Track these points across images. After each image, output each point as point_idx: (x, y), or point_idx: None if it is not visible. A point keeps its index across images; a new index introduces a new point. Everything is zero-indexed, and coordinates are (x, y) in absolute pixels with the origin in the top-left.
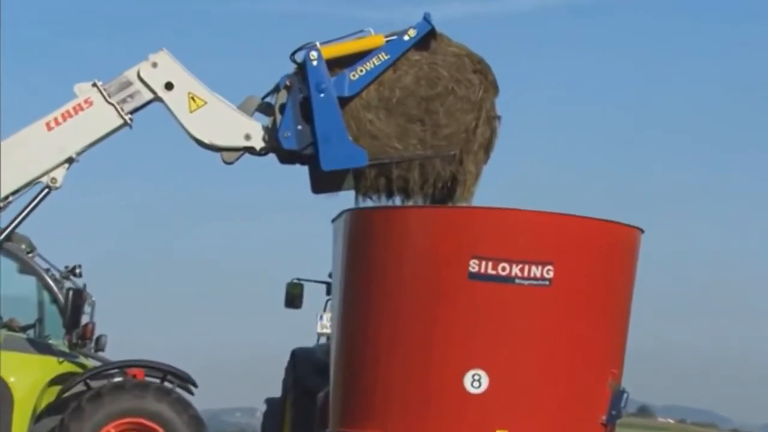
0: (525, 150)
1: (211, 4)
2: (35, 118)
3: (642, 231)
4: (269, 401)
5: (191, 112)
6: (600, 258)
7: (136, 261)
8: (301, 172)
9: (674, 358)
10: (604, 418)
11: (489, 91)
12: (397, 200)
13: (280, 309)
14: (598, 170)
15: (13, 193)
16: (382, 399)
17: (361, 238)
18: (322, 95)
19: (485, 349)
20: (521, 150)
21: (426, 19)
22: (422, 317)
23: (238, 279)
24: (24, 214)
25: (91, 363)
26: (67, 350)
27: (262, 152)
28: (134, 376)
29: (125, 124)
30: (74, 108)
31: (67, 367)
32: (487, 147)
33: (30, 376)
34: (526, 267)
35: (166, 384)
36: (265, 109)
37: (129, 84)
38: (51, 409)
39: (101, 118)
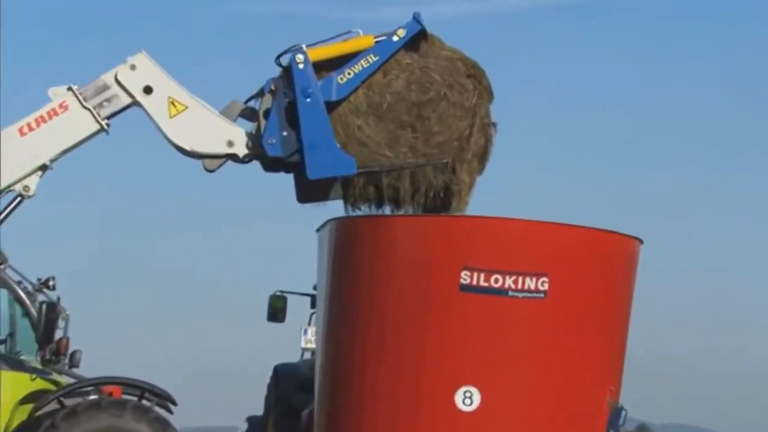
0: (518, 154)
1: (192, 3)
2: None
3: (641, 241)
4: (251, 419)
5: (171, 117)
6: (597, 269)
7: (112, 273)
8: (287, 180)
9: (675, 375)
10: None
11: (483, 96)
12: (387, 210)
13: (262, 323)
14: (595, 176)
15: None
16: (369, 417)
17: (347, 248)
18: (308, 100)
19: (477, 365)
20: (514, 154)
21: (416, 18)
22: (411, 331)
23: (219, 291)
24: None
25: (65, 380)
26: (39, 366)
27: (246, 159)
28: (110, 394)
29: (102, 129)
30: (48, 113)
31: (39, 384)
32: (482, 156)
33: (1, 394)
34: (520, 279)
35: (144, 402)
36: (248, 114)
37: (106, 88)
38: (23, 429)
39: (77, 123)
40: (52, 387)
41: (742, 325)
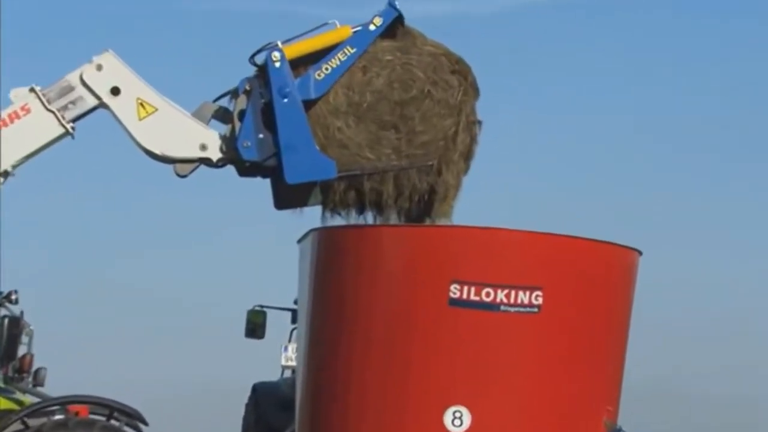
0: (511, 160)
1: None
2: None
3: (640, 253)
4: None
5: (140, 119)
6: (594, 282)
7: (78, 285)
8: (263, 185)
9: (677, 395)
10: None
11: (469, 93)
12: (369, 216)
13: (240, 339)
14: (592, 183)
15: None
16: None
17: (330, 260)
18: (285, 100)
19: (467, 384)
20: (507, 160)
21: (391, 4)
22: (397, 348)
23: (193, 305)
24: None
25: (29, 399)
26: (2, 385)
27: (220, 164)
28: (77, 414)
29: (67, 133)
30: (9, 116)
31: (2, 403)
32: (467, 155)
33: None
34: (513, 292)
35: (113, 422)
36: (222, 116)
37: (71, 89)
38: None
39: (40, 126)
40: (16, 407)
41: (756, 343)
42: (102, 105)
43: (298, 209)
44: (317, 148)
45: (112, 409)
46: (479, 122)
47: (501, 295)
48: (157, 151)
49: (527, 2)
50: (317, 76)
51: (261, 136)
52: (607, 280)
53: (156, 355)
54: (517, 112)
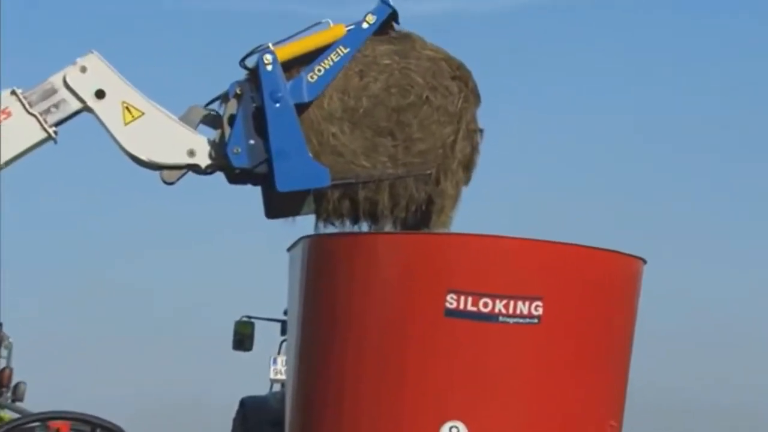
0: (510, 166)
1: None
2: None
3: (644, 261)
4: None
5: (126, 124)
6: (596, 292)
7: (59, 296)
8: (254, 193)
9: (682, 409)
10: None
11: (469, 100)
12: (364, 226)
13: (227, 351)
14: (594, 189)
15: None
16: None
17: (321, 269)
18: (277, 105)
19: (464, 398)
20: (506, 166)
21: (384, 0)
22: (391, 360)
23: (178, 316)
24: None
25: (7, 414)
26: None
27: (208, 171)
28: (58, 430)
29: (49, 137)
30: None
31: None
32: (468, 165)
33: None
34: (512, 303)
35: None
36: (211, 120)
37: (54, 92)
38: None
39: (21, 131)
40: None
41: (762, 352)
42: (86, 109)
43: (291, 218)
44: (310, 155)
45: (94, 425)
46: (480, 130)
47: (499, 306)
48: (144, 157)
49: (527, 1)
50: (310, 79)
51: (252, 142)
52: (611, 289)
53: (141, 369)
54: (517, 112)
